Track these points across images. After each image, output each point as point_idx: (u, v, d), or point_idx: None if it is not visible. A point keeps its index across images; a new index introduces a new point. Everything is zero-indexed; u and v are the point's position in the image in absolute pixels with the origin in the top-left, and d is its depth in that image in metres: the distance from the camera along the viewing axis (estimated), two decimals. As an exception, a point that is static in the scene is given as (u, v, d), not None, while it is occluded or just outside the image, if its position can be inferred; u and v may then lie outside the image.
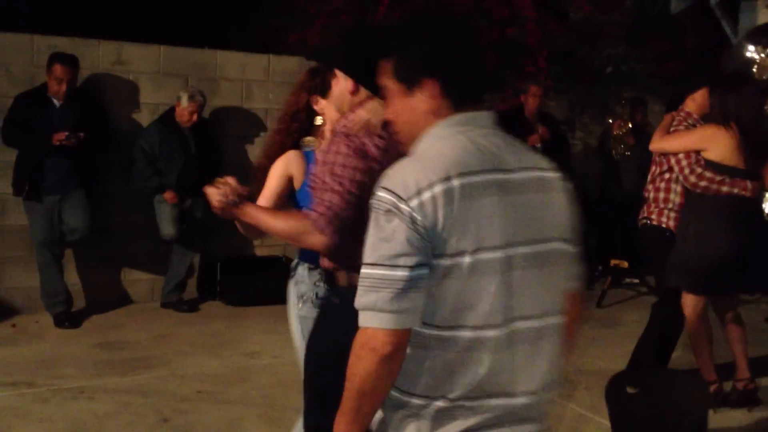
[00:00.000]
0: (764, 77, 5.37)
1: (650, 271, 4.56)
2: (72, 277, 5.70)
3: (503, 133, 1.57)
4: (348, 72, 2.21)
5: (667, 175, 4.10)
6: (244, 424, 3.77)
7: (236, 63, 6.33)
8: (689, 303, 3.97)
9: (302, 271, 2.63)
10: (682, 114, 4.10)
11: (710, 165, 3.85)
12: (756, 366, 4.23)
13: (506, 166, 1.50)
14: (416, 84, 1.54)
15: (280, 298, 2.91)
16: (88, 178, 5.41)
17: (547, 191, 1.56)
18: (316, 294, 2.54)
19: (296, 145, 2.70)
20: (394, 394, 1.51)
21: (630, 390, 2.56)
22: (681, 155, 3.92)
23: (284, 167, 2.64)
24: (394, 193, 1.42)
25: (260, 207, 2.32)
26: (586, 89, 7.56)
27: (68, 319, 5.34)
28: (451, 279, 1.43)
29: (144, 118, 5.95)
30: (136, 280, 6.12)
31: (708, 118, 3.98)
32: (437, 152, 1.48)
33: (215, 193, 2.14)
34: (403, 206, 1.40)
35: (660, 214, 4.14)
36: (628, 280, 6.64)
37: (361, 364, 1.43)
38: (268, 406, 3.96)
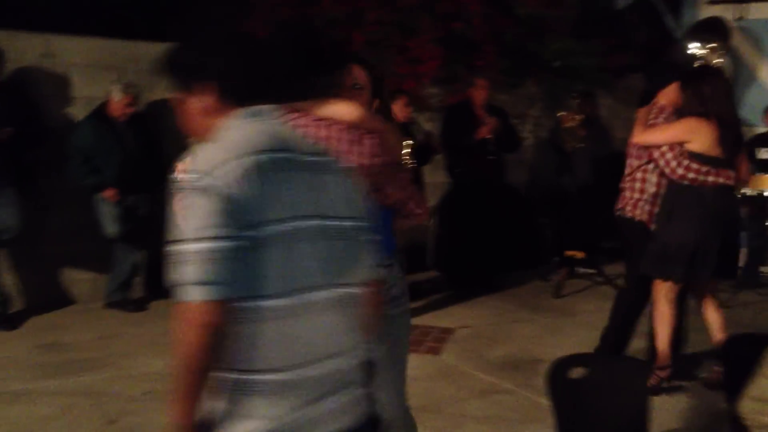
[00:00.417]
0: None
1: (624, 259, 4.63)
2: (7, 278, 5.45)
3: (288, 123, 1.73)
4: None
5: (645, 167, 4.14)
6: (195, 423, 3.64)
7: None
8: (662, 289, 4.01)
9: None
10: (656, 108, 4.13)
11: (694, 156, 3.90)
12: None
13: (296, 149, 1.64)
14: (197, 88, 1.68)
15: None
16: (20, 175, 5.16)
17: (335, 174, 1.70)
18: None
19: None
20: (222, 374, 1.54)
21: (571, 375, 2.57)
22: (665, 148, 3.96)
23: None
24: (194, 171, 1.51)
25: None
26: (536, 83, 7.60)
27: (5, 320, 5.12)
28: (252, 251, 1.49)
29: (79, 112, 5.70)
30: (79, 280, 5.89)
31: (682, 111, 4.02)
32: (231, 136, 1.60)
33: None
34: (202, 182, 1.48)
35: (634, 206, 4.18)
36: (583, 270, 6.68)
37: (183, 339, 1.46)
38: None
